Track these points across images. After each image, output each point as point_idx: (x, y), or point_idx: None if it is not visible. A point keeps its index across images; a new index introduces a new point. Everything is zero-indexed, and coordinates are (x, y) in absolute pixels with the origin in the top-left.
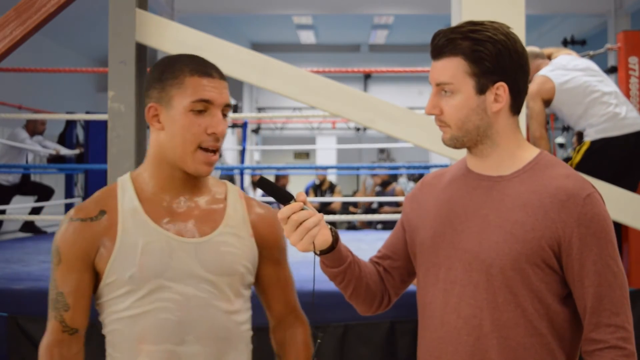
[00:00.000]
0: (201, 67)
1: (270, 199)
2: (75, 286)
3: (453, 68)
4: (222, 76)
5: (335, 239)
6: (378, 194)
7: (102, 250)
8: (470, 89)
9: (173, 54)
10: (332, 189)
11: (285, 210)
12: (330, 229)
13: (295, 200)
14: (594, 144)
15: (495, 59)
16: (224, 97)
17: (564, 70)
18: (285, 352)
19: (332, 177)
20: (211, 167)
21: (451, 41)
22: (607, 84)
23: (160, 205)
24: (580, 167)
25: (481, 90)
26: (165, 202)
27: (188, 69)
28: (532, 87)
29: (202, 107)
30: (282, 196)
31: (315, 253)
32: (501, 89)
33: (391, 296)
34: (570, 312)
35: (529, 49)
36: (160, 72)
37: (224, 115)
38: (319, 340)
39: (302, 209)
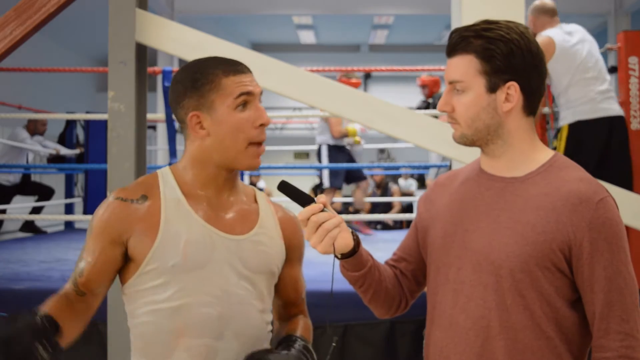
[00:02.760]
0: (231, 66)
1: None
2: (97, 257)
3: (465, 66)
4: (249, 69)
5: (357, 243)
6: (373, 195)
7: (139, 236)
8: (481, 88)
9: (172, 53)
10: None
11: (305, 211)
12: (352, 232)
13: (315, 203)
14: (572, 127)
15: (507, 58)
16: (258, 87)
17: (569, 36)
18: (284, 323)
19: None
20: (260, 159)
21: (464, 39)
22: (601, 73)
23: (201, 200)
24: (567, 153)
25: (492, 89)
26: (205, 198)
27: (221, 71)
28: None
29: (244, 100)
30: (303, 199)
31: (336, 256)
32: (512, 89)
33: (408, 299)
34: (579, 317)
35: (539, 2)
36: (193, 80)
37: None
38: (334, 344)
39: (322, 211)
